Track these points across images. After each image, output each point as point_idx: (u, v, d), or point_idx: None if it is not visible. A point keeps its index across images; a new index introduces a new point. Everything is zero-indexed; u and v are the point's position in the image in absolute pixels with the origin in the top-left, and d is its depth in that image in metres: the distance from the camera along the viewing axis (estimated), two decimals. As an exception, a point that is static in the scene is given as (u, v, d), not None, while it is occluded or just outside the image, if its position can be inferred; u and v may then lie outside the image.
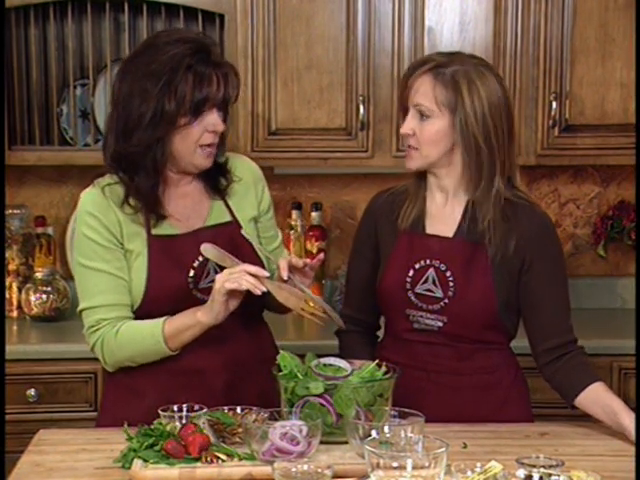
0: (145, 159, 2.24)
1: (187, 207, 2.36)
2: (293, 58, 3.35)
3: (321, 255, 2.29)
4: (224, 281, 2.15)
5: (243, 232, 2.32)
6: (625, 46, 3.35)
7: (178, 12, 3.41)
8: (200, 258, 2.29)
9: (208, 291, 2.23)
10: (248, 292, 2.16)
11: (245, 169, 2.44)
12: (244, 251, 2.33)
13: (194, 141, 2.25)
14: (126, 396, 2.34)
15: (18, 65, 3.44)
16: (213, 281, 2.21)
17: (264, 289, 2.15)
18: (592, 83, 3.38)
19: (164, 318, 2.25)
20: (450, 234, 2.34)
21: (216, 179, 2.38)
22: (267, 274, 2.18)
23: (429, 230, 2.36)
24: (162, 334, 2.23)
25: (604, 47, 3.36)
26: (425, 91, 2.26)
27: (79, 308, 2.33)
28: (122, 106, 2.25)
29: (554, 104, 3.37)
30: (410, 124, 2.29)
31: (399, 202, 2.39)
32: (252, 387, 2.31)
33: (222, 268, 2.23)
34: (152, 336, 2.24)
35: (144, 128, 2.21)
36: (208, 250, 2.24)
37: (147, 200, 2.28)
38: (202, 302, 2.25)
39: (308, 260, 2.23)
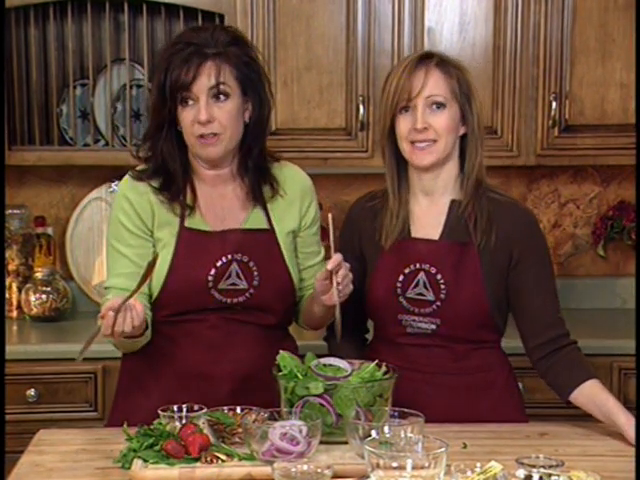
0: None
1: (224, 208, 2.35)
2: (293, 58, 3.35)
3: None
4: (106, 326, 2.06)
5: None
6: (625, 46, 3.35)
7: (178, 12, 3.41)
8: (224, 259, 2.29)
9: (226, 292, 2.26)
10: (274, 305, 2.29)
11: (295, 182, 2.42)
12: (274, 261, 2.33)
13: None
14: (137, 392, 2.34)
15: (18, 65, 3.44)
16: (233, 283, 2.27)
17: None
18: (592, 83, 3.38)
19: None
20: (436, 236, 2.34)
21: (261, 186, 2.37)
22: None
23: (414, 234, 2.35)
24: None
25: (604, 47, 3.36)
26: (439, 82, 2.27)
27: (104, 285, 2.38)
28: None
29: (554, 104, 3.37)
30: (423, 118, 2.27)
31: (381, 208, 2.38)
32: (260, 397, 2.21)
33: (243, 272, 2.28)
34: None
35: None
36: None
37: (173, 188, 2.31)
38: (219, 302, 2.28)
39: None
